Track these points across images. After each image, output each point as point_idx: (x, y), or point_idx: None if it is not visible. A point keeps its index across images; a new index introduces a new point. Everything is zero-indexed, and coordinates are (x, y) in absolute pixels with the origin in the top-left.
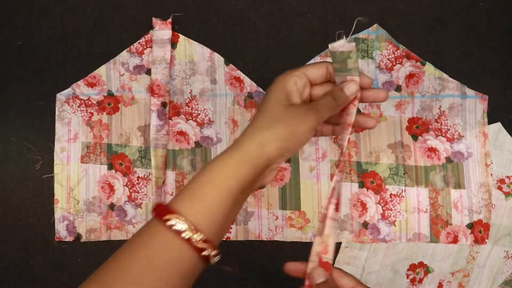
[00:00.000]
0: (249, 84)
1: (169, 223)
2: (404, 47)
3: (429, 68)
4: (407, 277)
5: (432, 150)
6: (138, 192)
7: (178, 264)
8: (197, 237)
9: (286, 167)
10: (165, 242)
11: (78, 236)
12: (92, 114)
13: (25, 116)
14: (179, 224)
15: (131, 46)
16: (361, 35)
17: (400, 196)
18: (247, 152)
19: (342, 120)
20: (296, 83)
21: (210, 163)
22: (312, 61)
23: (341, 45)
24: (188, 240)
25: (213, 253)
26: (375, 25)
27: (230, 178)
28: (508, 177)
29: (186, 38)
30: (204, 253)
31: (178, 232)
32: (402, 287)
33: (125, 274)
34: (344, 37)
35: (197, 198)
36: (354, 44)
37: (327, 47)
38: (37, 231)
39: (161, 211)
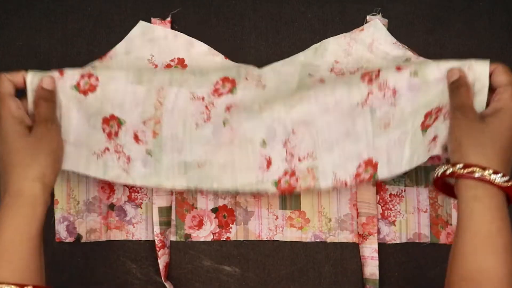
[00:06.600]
0: None
1: None
2: (406, 46)
3: None
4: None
5: None
6: (138, 192)
7: None
8: None
9: None
10: None
11: (79, 237)
12: None
13: None
14: None
15: None
16: None
17: (400, 196)
18: None
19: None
20: None
21: None
22: None
23: (377, 17)
24: None
25: None
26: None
27: None
28: None
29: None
30: None
31: None
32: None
33: None
34: (380, 13)
35: None
36: (387, 20)
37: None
38: None
39: None
